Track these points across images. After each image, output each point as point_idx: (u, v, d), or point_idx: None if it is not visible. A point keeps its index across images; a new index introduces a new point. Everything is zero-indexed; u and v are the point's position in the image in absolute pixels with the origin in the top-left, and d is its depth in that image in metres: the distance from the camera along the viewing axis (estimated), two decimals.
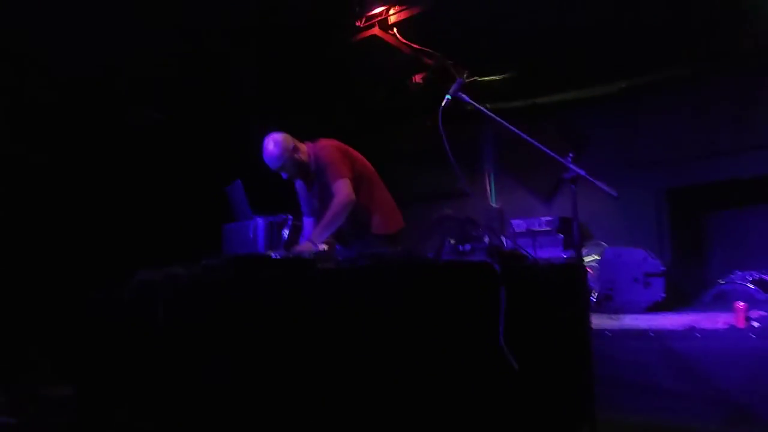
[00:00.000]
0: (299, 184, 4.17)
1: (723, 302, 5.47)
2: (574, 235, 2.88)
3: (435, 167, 5.12)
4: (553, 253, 6.07)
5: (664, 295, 5.55)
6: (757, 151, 6.03)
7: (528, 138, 2.91)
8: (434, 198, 6.43)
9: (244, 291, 2.62)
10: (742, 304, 4.20)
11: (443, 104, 3.01)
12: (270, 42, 5.37)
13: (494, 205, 7.34)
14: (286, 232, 4.19)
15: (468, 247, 2.60)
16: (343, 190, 3.69)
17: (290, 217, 4.21)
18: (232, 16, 5.10)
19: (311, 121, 4.95)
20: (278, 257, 2.73)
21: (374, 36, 5.46)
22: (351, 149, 4.03)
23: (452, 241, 2.64)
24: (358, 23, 5.42)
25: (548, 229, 6.27)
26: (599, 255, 5.85)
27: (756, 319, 4.15)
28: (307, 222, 4.14)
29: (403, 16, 5.36)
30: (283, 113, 5.76)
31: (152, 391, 2.89)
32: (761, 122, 6.02)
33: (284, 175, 3.99)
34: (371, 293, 2.43)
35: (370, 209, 3.98)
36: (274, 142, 3.88)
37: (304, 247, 3.53)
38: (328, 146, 3.93)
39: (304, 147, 3.97)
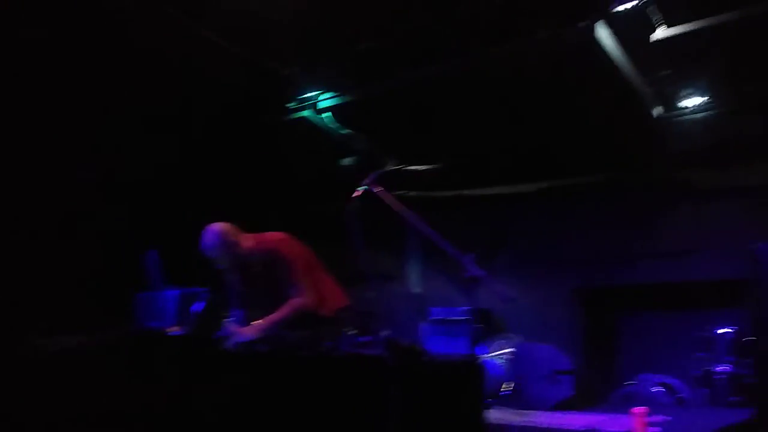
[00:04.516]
0: (231, 278, 4.13)
1: (630, 403, 5.59)
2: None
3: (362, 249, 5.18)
4: (467, 342, 6.14)
5: (572, 392, 5.66)
6: (666, 259, 6.40)
7: (434, 235, 3.02)
8: (356, 281, 6.47)
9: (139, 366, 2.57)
10: (640, 408, 4.31)
11: (357, 194, 3.13)
12: (201, 115, 5.45)
13: (416, 290, 7.40)
14: (198, 306, 4.14)
15: (367, 338, 2.64)
16: (304, 294, 3.75)
17: (205, 290, 4.16)
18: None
19: (238, 198, 4.96)
20: (176, 334, 2.71)
21: (304, 118, 5.66)
22: (296, 240, 4.07)
23: (353, 332, 2.69)
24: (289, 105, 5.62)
25: (463, 318, 6.36)
26: (512, 349, 5.94)
27: (657, 424, 4.27)
28: (238, 315, 4.09)
29: (335, 101, 5.57)
30: (211, 187, 5.80)
31: None
32: (668, 232, 6.44)
33: (219, 266, 3.96)
34: (265, 380, 2.43)
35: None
36: (213, 233, 3.86)
37: (244, 330, 3.53)
38: (282, 241, 3.95)
39: (246, 240, 3.95)
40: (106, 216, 5.78)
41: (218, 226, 3.88)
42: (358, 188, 3.13)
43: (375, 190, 3.13)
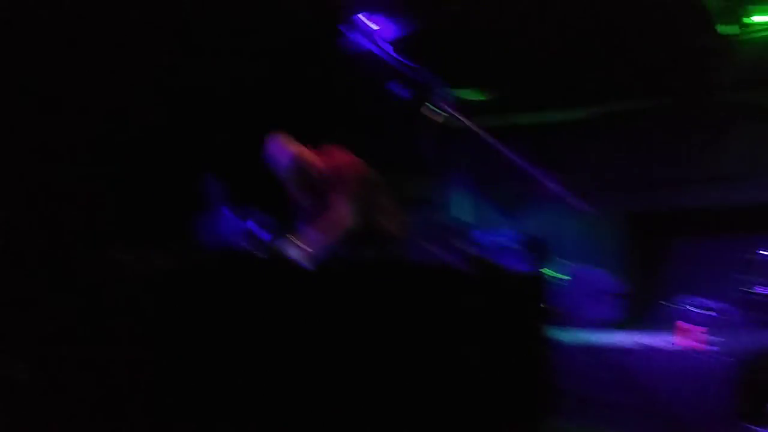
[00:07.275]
0: (296, 194, 4.21)
1: (673, 324, 5.72)
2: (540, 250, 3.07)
3: (402, 174, 5.21)
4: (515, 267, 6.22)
5: (621, 313, 5.80)
6: (719, 183, 6.36)
7: (511, 154, 3.09)
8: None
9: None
10: (686, 324, 4.45)
11: (427, 113, 3.17)
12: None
13: (459, 216, 7.45)
14: (252, 224, 4.24)
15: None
16: (342, 211, 3.75)
17: (263, 212, 4.27)
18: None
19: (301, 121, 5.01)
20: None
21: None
22: (357, 160, 4.11)
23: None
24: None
25: (512, 243, 6.41)
26: (561, 272, 6.04)
27: (700, 340, 4.41)
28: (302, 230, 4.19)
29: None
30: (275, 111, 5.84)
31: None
32: (724, 156, 6.38)
33: (285, 182, 4.03)
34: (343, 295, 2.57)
35: (375, 214, 4.04)
36: (278, 147, 3.91)
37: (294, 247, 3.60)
38: (347, 164, 3.99)
39: (310, 154, 4.02)
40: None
41: (280, 141, 3.91)
42: (435, 112, 3.16)
43: (453, 115, 3.17)
